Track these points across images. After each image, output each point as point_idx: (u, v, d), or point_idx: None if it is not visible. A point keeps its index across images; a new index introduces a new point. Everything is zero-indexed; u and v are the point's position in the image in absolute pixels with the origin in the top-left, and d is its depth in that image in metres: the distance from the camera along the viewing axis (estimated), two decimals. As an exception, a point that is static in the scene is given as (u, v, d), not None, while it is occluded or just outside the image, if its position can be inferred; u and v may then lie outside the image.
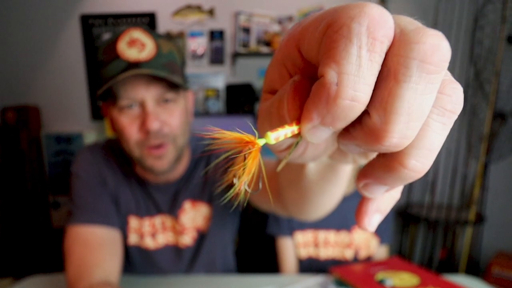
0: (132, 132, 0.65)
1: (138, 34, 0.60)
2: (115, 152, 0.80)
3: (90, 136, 2.44)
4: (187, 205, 0.80)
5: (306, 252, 0.95)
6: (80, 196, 0.73)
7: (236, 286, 0.77)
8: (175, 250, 0.82)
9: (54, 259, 2.33)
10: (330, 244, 0.94)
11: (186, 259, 0.83)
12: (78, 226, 0.70)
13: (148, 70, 0.58)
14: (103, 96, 0.65)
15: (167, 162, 0.69)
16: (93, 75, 2.52)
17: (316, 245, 0.94)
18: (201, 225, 0.82)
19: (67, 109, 2.56)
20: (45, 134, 2.38)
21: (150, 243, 0.80)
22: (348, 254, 0.93)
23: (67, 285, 0.67)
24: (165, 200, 0.79)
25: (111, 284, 0.65)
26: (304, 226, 0.95)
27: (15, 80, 2.54)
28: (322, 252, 0.93)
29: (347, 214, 0.94)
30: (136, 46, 0.59)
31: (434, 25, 2.18)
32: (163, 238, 0.81)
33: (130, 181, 0.78)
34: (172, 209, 0.79)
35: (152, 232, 0.80)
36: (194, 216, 0.80)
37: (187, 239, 0.81)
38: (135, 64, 0.58)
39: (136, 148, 0.67)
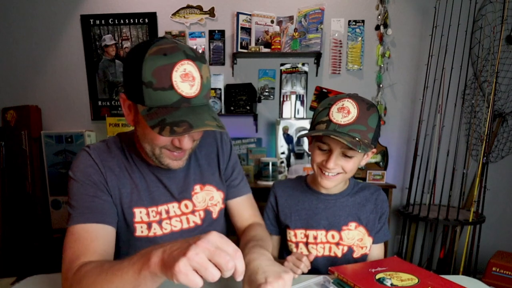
0: (163, 141, 0.72)
1: (190, 67, 0.66)
2: (121, 146, 0.83)
3: (90, 136, 2.44)
4: (197, 188, 0.88)
5: (299, 250, 0.96)
6: (76, 199, 0.75)
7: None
8: (181, 233, 0.86)
9: (54, 258, 2.33)
10: (321, 242, 0.94)
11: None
12: (75, 227, 0.72)
13: (199, 124, 0.65)
14: (133, 97, 0.68)
15: (183, 162, 0.79)
16: (93, 76, 2.52)
17: (307, 244, 0.95)
18: (209, 206, 0.89)
19: (68, 109, 2.56)
20: (46, 134, 2.38)
21: (157, 231, 0.83)
22: (339, 252, 0.94)
23: (62, 279, 0.68)
24: (176, 185, 0.85)
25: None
26: (296, 226, 0.96)
27: (16, 81, 2.54)
28: (313, 251, 0.94)
29: (335, 214, 0.95)
30: (188, 80, 0.66)
31: (434, 25, 2.19)
32: (168, 225, 0.84)
33: (133, 174, 0.82)
34: (184, 192, 0.86)
35: (158, 220, 0.83)
36: (204, 197, 0.88)
37: (197, 219, 0.87)
38: (187, 100, 0.66)
39: (157, 149, 0.74)
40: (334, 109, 0.82)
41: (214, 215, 0.90)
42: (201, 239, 0.48)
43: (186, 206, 0.86)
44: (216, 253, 0.47)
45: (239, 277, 0.50)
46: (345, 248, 0.94)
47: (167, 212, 0.84)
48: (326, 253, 0.94)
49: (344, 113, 0.81)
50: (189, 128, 0.63)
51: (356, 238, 0.94)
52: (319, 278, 0.79)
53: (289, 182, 1.04)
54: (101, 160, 0.79)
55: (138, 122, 0.73)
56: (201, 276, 0.46)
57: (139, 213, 0.81)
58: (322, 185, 0.90)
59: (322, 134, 0.81)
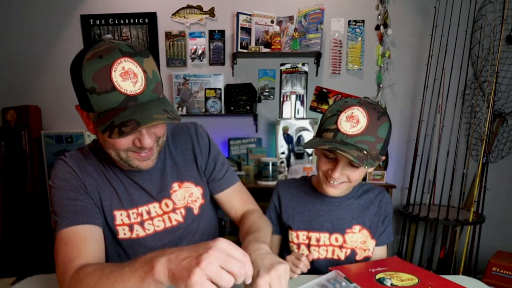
0: (124, 144, 0.70)
1: (128, 64, 0.63)
2: (96, 152, 0.84)
3: (90, 136, 2.44)
4: (175, 186, 0.87)
5: (300, 252, 0.95)
6: (58, 205, 0.75)
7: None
8: (165, 233, 0.86)
9: (54, 258, 2.33)
10: (324, 245, 0.93)
11: (179, 237, 0.87)
12: (62, 232, 0.72)
13: (149, 119, 0.63)
14: (84, 106, 0.67)
15: (152, 161, 0.77)
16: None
17: (309, 245, 0.94)
18: (189, 203, 0.89)
19: (68, 109, 2.56)
20: (45, 134, 2.38)
21: (140, 232, 0.84)
22: (342, 255, 0.93)
23: (58, 283, 0.68)
24: (153, 185, 0.85)
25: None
26: (298, 228, 0.96)
27: (16, 81, 2.54)
28: (315, 253, 0.93)
29: (339, 217, 0.94)
30: (130, 78, 0.64)
31: (434, 25, 2.19)
32: (150, 226, 0.85)
33: (110, 178, 0.82)
34: (163, 191, 0.85)
35: (140, 221, 0.84)
36: (183, 194, 0.88)
37: (179, 217, 0.87)
38: (133, 98, 0.64)
39: (122, 153, 0.73)
40: (342, 117, 0.78)
41: (195, 212, 0.90)
42: (211, 247, 0.48)
43: (167, 205, 0.86)
44: (228, 261, 0.48)
45: (249, 280, 0.52)
46: (348, 251, 0.93)
47: (148, 212, 0.84)
48: (329, 255, 0.93)
49: (352, 123, 0.77)
50: (136, 125, 0.61)
51: (359, 241, 0.93)
52: (332, 274, 0.78)
53: (293, 182, 1.03)
54: (78, 166, 0.80)
55: (96, 130, 0.71)
56: (216, 284, 0.47)
57: (120, 216, 0.82)
58: (327, 192, 0.89)
59: (328, 148, 0.77)
